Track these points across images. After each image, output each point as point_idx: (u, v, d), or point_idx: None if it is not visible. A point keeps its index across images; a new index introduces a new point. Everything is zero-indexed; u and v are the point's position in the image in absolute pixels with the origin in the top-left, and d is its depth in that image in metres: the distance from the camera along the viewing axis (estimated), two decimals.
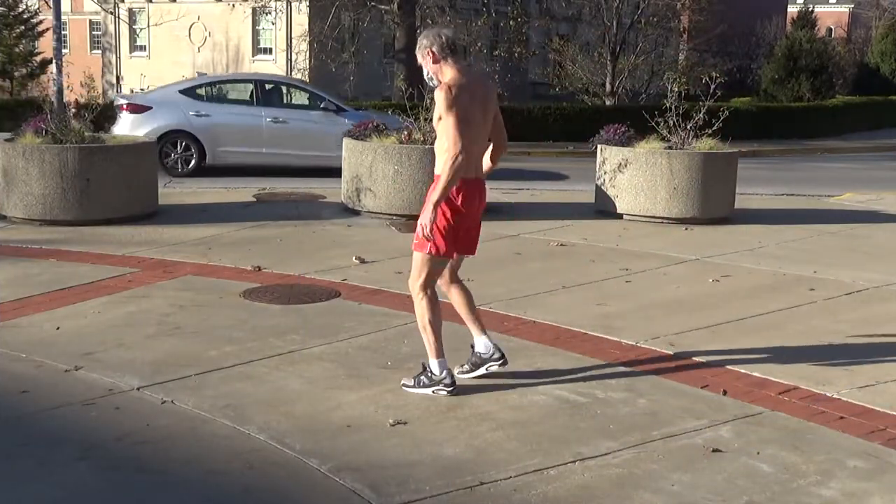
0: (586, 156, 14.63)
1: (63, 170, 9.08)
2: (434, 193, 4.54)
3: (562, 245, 8.76)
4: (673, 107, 10.45)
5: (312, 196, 11.82)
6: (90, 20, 45.65)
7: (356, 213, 10.27)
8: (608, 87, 28.80)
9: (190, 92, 14.89)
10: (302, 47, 28.68)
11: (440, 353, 4.72)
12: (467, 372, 4.96)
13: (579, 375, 5.07)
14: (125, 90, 40.78)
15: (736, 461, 4.05)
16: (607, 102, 28.19)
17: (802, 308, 6.65)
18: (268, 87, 15.59)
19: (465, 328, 5.00)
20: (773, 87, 32.44)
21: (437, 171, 4.65)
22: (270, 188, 12.58)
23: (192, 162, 14.44)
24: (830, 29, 64.85)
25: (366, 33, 28.75)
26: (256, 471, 3.85)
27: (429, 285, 4.71)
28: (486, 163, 4.85)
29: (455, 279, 4.95)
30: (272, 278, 7.18)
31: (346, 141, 10.62)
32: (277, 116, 14.77)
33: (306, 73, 29.30)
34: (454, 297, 4.96)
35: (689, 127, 10.47)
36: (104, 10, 35.11)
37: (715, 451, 4.14)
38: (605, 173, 10.56)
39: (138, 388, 4.73)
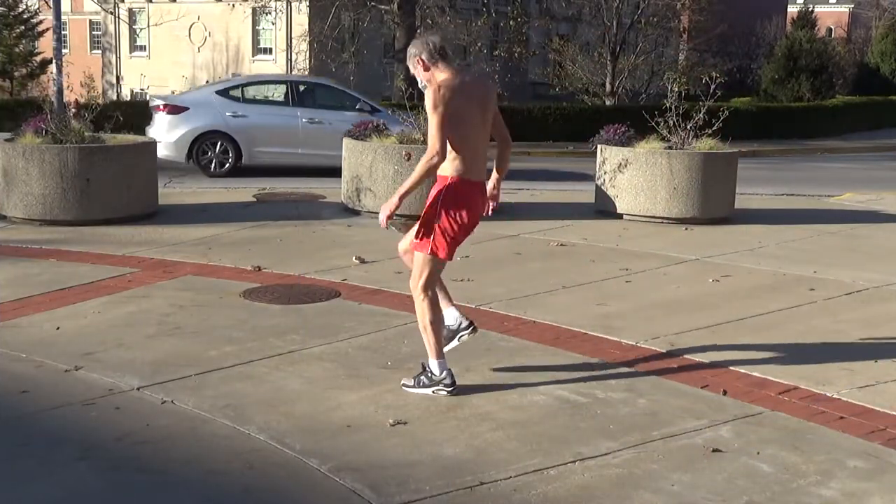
0: (586, 156, 14.65)
1: (63, 170, 9.08)
2: (403, 185, 4.63)
3: (562, 245, 8.76)
4: (673, 107, 10.45)
5: (312, 196, 11.82)
6: (90, 20, 45.64)
7: (356, 213, 10.27)
8: (608, 87, 28.82)
9: (225, 93, 15.07)
10: (302, 47, 28.73)
11: (440, 354, 4.73)
12: None
13: (579, 375, 5.07)
14: (125, 90, 40.87)
15: (736, 461, 4.05)
16: (607, 102, 28.21)
17: (802, 308, 6.66)
18: (302, 88, 15.75)
19: None
20: (773, 87, 32.44)
21: (439, 171, 4.67)
22: (270, 188, 12.58)
23: (229, 162, 14.62)
24: (830, 29, 64.83)
25: (366, 33, 28.78)
26: (256, 471, 3.85)
27: (430, 286, 4.72)
28: (498, 168, 4.91)
29: None
30: (272, 278, 7.18)
31: (345, 141, 10.61)
32: (314, 117, 14.94)
33: (306, 73, 29.31)
34: None
35: (689, 127, 10.46)
36: (104, 10, 35.12)
37: (715, 451, 4.14)
38: (605, 173, 10.56)
39: (138, 388, 4.73)
